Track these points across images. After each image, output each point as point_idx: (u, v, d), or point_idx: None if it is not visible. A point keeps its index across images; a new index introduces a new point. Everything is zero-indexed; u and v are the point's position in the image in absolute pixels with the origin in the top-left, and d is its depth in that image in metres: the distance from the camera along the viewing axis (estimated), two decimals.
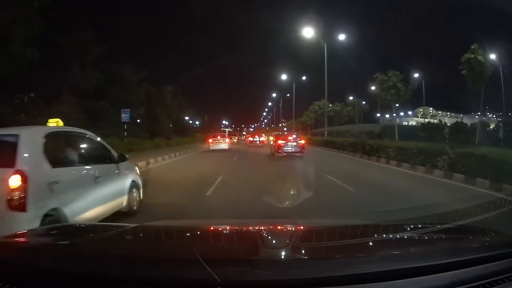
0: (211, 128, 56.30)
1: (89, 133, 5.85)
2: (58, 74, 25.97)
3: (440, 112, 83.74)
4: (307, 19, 33.00)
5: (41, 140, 4.36)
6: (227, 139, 28.05)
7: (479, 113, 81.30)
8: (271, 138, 35.61)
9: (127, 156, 6.66)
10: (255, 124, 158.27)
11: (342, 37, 32.99)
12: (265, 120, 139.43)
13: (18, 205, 3.68)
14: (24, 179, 3.76)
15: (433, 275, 1.41)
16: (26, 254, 1.61)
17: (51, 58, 25.21)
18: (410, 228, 2.33)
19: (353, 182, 10.07)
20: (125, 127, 24.67)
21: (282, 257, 1.69)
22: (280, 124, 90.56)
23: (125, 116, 24.61)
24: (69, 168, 4.88)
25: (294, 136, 21.22)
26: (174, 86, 41.66)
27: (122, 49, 57.66)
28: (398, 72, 20.75)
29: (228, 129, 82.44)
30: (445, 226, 2.47)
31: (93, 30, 27.55)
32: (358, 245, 1.89)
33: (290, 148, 19.24)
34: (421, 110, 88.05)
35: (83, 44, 26.37)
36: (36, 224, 3.70)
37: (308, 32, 32.69)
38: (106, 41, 28.84)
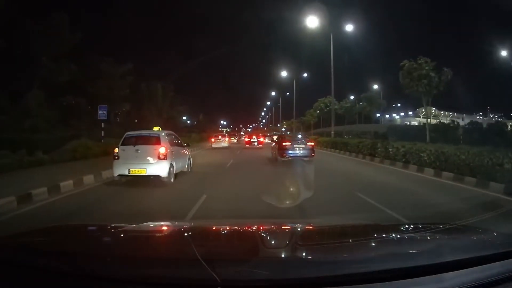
0: (207, 128, 52.92)
1: (175, 134, 12.37)
2: (25, 66, 22.39)
3: (442, 112, 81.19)
4: (311, 8, 29.90)
5: (166, 135, 10.66)
6: (226, 139, 32.67)
7: (480, 113, 78.47)
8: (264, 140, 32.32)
9: (189, 144, 15.20)
10: (253, 125, 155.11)
11: (349, 27, 29.96)
12: (263, 121, 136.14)
13: (163, 157, 9.54)
14: (166, 148, 9.76)
15: (434, 275, 1.38)
16: (26, 254, 1.58)
17: (17, 47, 21.68)
18: (411, 228, 2.33)
19: (402, 208, 6.65)
20: (103, 126, 21.19)
21: (282, 257, 1.66)
22: (278, 124, 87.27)
23: (102, 113, 21.10)
24: (174, 146, 10.91)
25: (301, 137, 17.83)
26: (168, 83, 37.79)
27: (109, 42, 53.67)
28: (429, 59, 17.30)
29: (225, 130, 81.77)
30: (446, 225, 2.36)
31: (70, 15, 24.06)
32: (358, 245, 1.88)
33: (297, 151, 15.90)
34: (423, 110, 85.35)
35: (55, 31, 22.85)
36: (168, 165, 9.60)
37: (312, 21, 29.61)
38: (92, 31, 25.24)
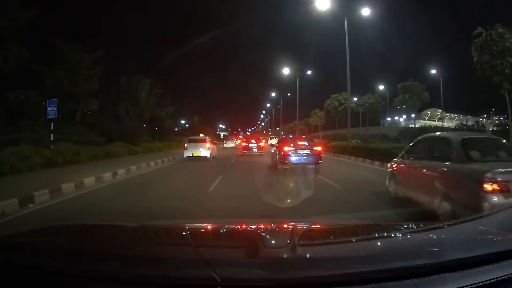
0: (203, 131, 47.76)
1: (211, 138, 25.32)
2: None
3: (448, 114, 76.57)
4: None
5: (208, 138, 23.04)
6: (234, 141, 45.09)
7: (485, 115, 73.87)
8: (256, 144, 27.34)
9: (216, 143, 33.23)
10: (252, 128, 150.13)
11: (366, 11, 25.38)
12: (263, 124, 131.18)
13: (208, 148, 20.93)
14: (210, 144, 21.66)
15: (436, 275, 1.35)
16: (26, 254, 1.57)
17: None
18: (412, 227, 2.28)
19: None
20: (52, 128, 16.00)
21: (282, 256, 1.62)
22: (277, 128, 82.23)
23: (51, 110, 15.99)
24: (211, 144, 22.58)
25: (306, 142, 15.09)
26: (155, 79, 32.01)
27: (85, 28, 47.86)
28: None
29: (223, 133, 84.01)
30: (449, 224, 2.28)
31: None
32: (358, 244, 1.88)
33: (301, 157, 13.83)
34: (429, 112, 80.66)
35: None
36: (210, 152, 21.17)
37: (322, 3, 25.04)
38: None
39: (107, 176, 11.56)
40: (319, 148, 14.59)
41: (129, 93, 26.67)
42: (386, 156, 16.34)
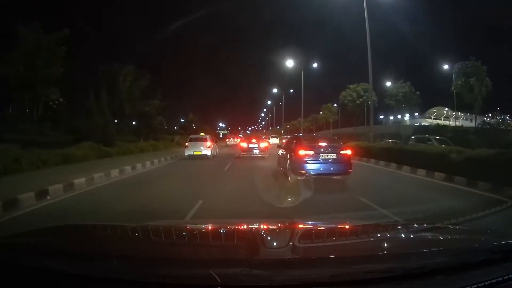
0: (202, 130, 43.83)
1: (211, 136, 24.69)
2: None
3: (454, 113, 73.55)
4: None
5: (209, 137, 22.68)
6: (236, 139, 43.90)
7: (489, 114, 70.48)
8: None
9: (217, 141, 33.99)
10: (252, 127, 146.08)
11: None
12: (263, 122, 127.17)
13: (209, 147, 20.71)
14: (210, 143, 21.34)
15: (435, 275, 1.35)
16: (26, 254, 1.56)
17: None
18: (412, 227, 2.29)
19: None
20: None
21: (282, 257, 1.63)
22: (278, 127, 78.34)
23: None
24: (212, 142, 22.29)
25: (329, 143, 11.18)
26: (140, 68, 27.48)
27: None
28: None
29: (223, 132, 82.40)
30: (448, 225, 2.34)
31: None
32: (358, 245, 1.88)
33: (323, 165, 10.02)
34: (435, 110, 77.44)
35: None
36: (211, 151, 20.92)
37: None
38: None
39: (29, 197, 7.24)
40: (348, 152, 10.60)
41: (106, 83, 22.38)
42: (435, 162, 12.22)
